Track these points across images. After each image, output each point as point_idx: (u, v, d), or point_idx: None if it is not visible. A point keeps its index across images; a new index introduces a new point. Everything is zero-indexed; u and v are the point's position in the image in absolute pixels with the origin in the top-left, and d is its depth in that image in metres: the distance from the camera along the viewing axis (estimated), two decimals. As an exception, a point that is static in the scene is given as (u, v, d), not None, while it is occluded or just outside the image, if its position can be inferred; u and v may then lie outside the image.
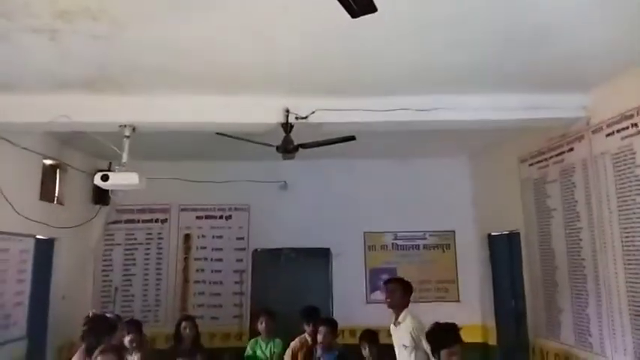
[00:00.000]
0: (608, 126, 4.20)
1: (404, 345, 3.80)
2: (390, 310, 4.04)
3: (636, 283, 3.90)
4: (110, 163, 6.07)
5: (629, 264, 3.98)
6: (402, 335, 3.82)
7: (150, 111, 4.35)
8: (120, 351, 3.46)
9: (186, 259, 6.63)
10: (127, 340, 4.40)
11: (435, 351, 3.26)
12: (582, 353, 4.56)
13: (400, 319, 3.92)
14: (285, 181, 6.73)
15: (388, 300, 3.99)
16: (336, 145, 4.37)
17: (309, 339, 4.65)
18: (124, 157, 4.44)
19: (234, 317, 6.45)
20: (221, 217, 6.77)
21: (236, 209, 6.79)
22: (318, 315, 4.83)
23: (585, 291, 4.56)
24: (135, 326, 4.58)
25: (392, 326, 4.04)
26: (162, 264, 6.60)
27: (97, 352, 3.30)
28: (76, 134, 5.07)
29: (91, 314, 4.23)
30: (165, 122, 4.48)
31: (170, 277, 6.57)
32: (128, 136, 4.44)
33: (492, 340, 6.40)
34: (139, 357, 4.41)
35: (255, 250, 6.71)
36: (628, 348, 3.96)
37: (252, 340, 4.97)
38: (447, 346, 3.21)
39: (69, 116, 4.19)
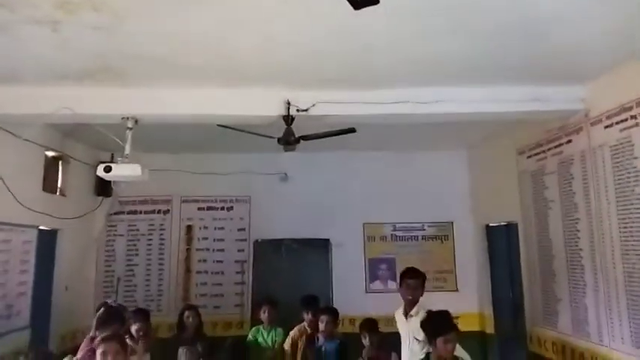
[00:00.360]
0: (607, 118, 4.22)
1: (416, 338, 3.78)
2: (394, 299, 4.06)
3: (634, 272, 3.96)
4: (112, 154, 6.11)
5: (627, 254, 4.02)
6: (415, 328, 3.75)
7: (152, 103, 4.36)
8: (122, 339, 3.51)
9: (188, 249, 6.69)
10: (134, 328, 4.47)
11: (431, 339, 3.32)
12: (580, 342, 4.62)
13: (413, 312, 3.92)
14: (285, 173, 6.77)
15: (409, 297, 3.97)
16: (337, 137, 4.40)
17: (308, 328, 4.72)
18: (127, 149, 4.46)
19: (236, 306, 6.51)
20: (222, 208, 6.82)
21: (237, 201, 6.83)
22: (318, 304, 4.89)
23: (583, 281, 4.61)
24: (142, 315, 4.65)
25: (400, 316, 4.05)
26: (164, 254, 6.66)
27: (98, 339, 3.34)
28: (79, 126, 5.08)
29: (103, 304, 4.30)
30: (167, 114, 4.51)
31: (172, 267, 6.63)
32: (131, 128, 4.46)
33: (490, 329, 6.48)
34: (144, 346, 4.48)
35: (256, 240, 6.77)
36: (625, 336, 4.02)
37: (254, 328, 5.03)
38: (443, 334, 3.27)
39: (71, 108, 4.21)
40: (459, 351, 3.42)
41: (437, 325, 3.34)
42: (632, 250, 3.98)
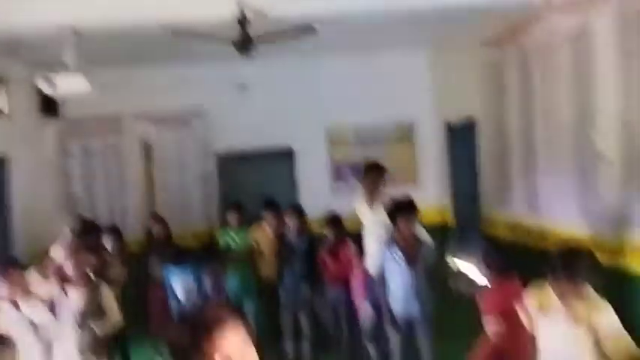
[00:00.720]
0: (566, 7, 4.19)
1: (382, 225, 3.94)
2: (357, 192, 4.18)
3: (585, 155, 4.21)
4: (54, 72, 5.72)
5: (580, 139, 4.23)
6: (383, 217, 3.90)
7: (92, 10, 4.02)
8: (100, 252, 3.51)
9: (148, 167, 6.54)
10: (109, 245, 4.50)
11: (394, 220, 3.52)
12: (531, 220, 4.98)
13: (378, 202, 4.05)
14: (244, 83, 6.54)
15: (372, 189, 4.09)
16: (295, 42, 4.23)
17: (270, 229, 4.83)
18: (69, 62, 4.21)
19: (204, 219, 6.54)
20: (180, 123, 6.59)
21: (195, 114, 6.61)
22: (278, 205, 4.97)
23: (537, 166, 4.89)
24: (115, 233, 4.65)
25: (363, 206, 4.17)
26: (123, 174, 6.49)
27: (70, 251, 3.33)
28: (17, 43, 4.70)
29: (77, 218, 4.25)
30: (109, 22, 4.18)
31: (134, 186, 6.49)
32: (72, 40, 4.17)
33: (451, 222, 6.85)
34: (120, 260, 4.53)
35: (219, 154, 6.66)
36: (572, 210, 4.35)
37: (222, 230, 5.12)
38: (404, 214, 3.47)
39: (4, 21, 3.89)
40: (420, 231, 3.64)
41: (399, 207, 3.54)
42: (584, 135, 4.18)
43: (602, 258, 3.79)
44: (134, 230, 5.88)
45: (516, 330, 2.72)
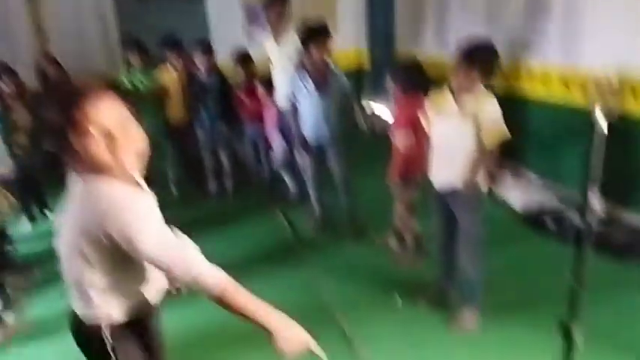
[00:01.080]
0: None
1: (290, 58, 3.86)
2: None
3: None
4: None
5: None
6: (289, 51, 3.85)
7: None
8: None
9: (34, 6, 5.70)
10: (5, 87, 4.08)
11: (306, 46, 3.41)
12: (441, 56, 5.11)
13: (284, 36, 3.91)
14: None
15: (275, 24, 3.89)
16: None
17: (172, 68, 4.53)
18: None
19: (104, 63, 5.98)
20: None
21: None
22: (181, 43, 4.61)
23: (449, 3, 4.88)
24: (11, 73, 4.17)
25: (271, 42, 4.02)
26: (5, 15, 5.64)
27: None
28: None
29: None
30: None
31: (19, 29, 5.71)
32: None
33: (367, 66, 6.86)
34: (21, 106, 4.17)
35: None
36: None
37: (126, 73, 4.70)
38: (316, 41, 3.36)
39: None
40: (332, 64, 3.56)
41: (311, 32, 3.41)
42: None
43: (503, 83, 4.09)
44: (27, 80, 5.31)
45: (420, 137, 2.91)
